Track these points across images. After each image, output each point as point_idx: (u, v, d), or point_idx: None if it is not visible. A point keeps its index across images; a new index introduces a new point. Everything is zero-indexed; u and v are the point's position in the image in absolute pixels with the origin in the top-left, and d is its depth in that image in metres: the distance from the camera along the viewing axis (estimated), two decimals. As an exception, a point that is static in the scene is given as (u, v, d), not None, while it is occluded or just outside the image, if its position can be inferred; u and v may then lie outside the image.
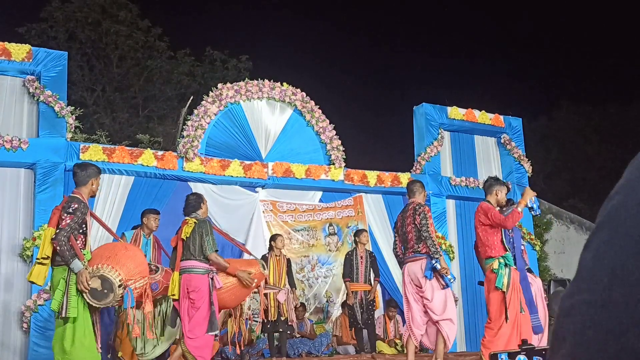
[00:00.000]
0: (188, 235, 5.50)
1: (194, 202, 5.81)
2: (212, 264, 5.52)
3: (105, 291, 4.49)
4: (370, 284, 8.05)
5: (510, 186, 6.30)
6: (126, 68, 17.47)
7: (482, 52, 27.73)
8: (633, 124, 22.20)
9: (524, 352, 2.12)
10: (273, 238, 7.72)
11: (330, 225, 9.10)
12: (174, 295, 5.47)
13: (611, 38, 26.37)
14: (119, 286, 4.51)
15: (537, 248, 10.23)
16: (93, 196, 5.20)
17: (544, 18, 28.93)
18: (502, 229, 5.75)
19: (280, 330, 7.41)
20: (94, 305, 4.53)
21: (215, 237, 5.70)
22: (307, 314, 8.74)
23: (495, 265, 5.66)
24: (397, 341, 8.51)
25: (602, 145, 22.28)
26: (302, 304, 8.60)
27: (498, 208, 5.92)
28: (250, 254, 6.42)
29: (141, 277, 4.87)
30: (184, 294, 5.46)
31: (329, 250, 9.10)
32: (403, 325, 8.87)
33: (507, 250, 5.76)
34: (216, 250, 5.52)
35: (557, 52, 26.70)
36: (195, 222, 5.54)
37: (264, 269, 5.97)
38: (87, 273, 4.48)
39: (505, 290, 5.58)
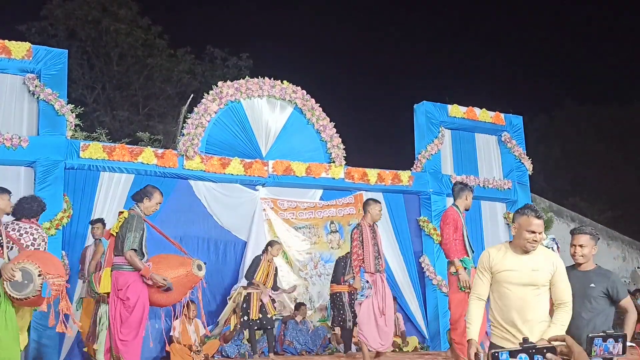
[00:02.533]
0: (117, 231, 5.27)
1: (140, 193, 5.46)
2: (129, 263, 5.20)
3: (26, 282, 4.55)
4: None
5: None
6: (126, 66, 17.44)
7: (483, 49, 27.70)
8: (634, 122, 22.16)
9: (525, 351, 2.10)
10: (270, 244, 7.73)
11: (332, 223, 9.09)
12: (106, 292, 5.31)
13: (614, 36, 26.33)
14: (39, 275, 4.55)
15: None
16: (8, 214, 5.24)
17: (544, 16, 28.90)
18: (465, 231, 6.16)
19: (268, 327, 7.48)
20: (14, 296, 4.55)
21: (153, 234, 5.50)
22: (310, 312, 8.73)
23: (454, 268, 6.08)
24: (397, 339, 8.49)
25: (603, 143, 22.24)
26: (303, 304, 8.59)
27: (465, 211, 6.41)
28: (186, 252, 6.06)
29: (59, 276, 4.85)
30: (113, 292, 5.22)
31: (331, 247, 9.09)
32: (404, 324, 8.88)
33: (467, 254, 6.11)
34: (134, 249, 5.16)
35: (558, 50, 26.66)
36: (125, 218, 5.28)
37: (200, 269, 5.59)
38: (12, 265, 4.58)
39: (467, 291, 5.81)
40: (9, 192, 5.26)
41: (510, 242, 3.66)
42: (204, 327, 7.26)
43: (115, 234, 5.32)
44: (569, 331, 3.38)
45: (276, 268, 7.88)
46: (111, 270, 5.30)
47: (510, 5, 28.87)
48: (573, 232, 4.30)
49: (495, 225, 10.06)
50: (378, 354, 6.51)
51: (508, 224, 9.97)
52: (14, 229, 5.22)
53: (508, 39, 27.61)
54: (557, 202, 14.52)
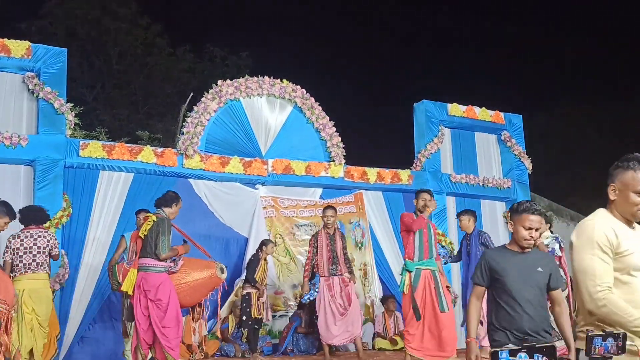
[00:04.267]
0: (146, 233, 5.51)
1: (168, 198, 5.78)
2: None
3: None
4: None
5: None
6: (126, 65, 17.43)
7: (482, 48, 27.70)
8: (634, 121, 22.16)
9: (525, 350, 2.11)
10: (265, 243, 7.73)
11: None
12: (127, 291, 5.52)
13: (613, 34, 26.32)
14: None
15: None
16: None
17: (542, 14, 28.87)
18: (415, 235, 6.44)
19: (256, 327, 7.52)
20: None
21: (176, 237, 5.75)
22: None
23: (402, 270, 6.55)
24: (397, 338, 8.50)
25: (603, 142, 22.23)
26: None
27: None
28: (210, 256, 6.44)
29: (4, 302, 4.99)
30: (140, 292, 5.47)
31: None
32: (402, 322, 8.89)
33: (413, 257, 6.42)
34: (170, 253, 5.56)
35: (558, 49, 26.65)
36: (154, 221, 5.52)
37: (222, 272, 6.04)
38: None
39: (406, 292, 6.33)
40: (11, 216, 5.79)
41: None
42: (206, 328, 7.31)
43: (143, 237, 5.53)
44: (516, 326, 3.21)
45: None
46: (138, 271, 5.52)
47: (508, 3, 28.88)
48: (521, 211, 3.45)
49: (494, 224, 10.06)
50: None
51: (507, 223, 9.98)
52: (26, 236, 6.02)
53: (507, 38, 27.60)
54: (557, 201, 14.52)
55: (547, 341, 3.22)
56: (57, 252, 6.27)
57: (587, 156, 22.12)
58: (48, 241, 6.15)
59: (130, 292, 5.55)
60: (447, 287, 6.67)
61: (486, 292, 3.50)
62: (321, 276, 7.22)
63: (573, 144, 22.62)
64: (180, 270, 5.77)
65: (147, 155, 7.93)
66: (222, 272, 6.11)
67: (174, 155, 8.11)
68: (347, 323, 7.13)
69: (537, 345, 2.08)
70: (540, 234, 7.61)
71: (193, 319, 7.43)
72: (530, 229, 3.42)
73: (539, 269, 3.40)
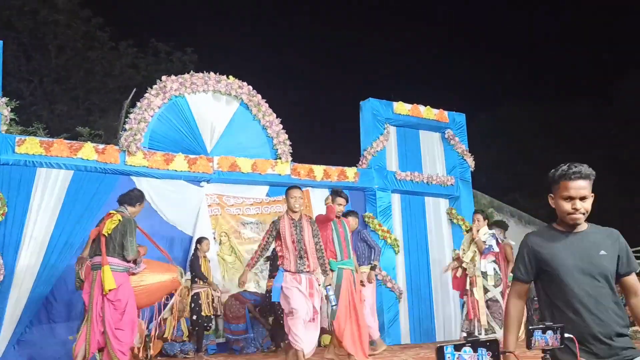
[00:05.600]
0: (110, 232, 5.41)
1: (133, 196, 5.73)
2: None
3: None
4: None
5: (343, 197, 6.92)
6: (65, 59, 16.89)
7: (428, 48, 28.17)
8: (573, 120, 22.99)
9: (470, 344, 2.13)
10: (199, 240, 7.70)
11: (279, 218, 9.01)
12: (110, 290, 5.36)
13: (553, 36, 27.23)
14: None
15: (480, 241, 10.45)
16: None
17: (486, 15, 29.57)
18: (334, 234, 6.48)
19: (206, 325, 7.52)
20: None
21: (139, 239, 5.70)
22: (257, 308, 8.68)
23: None
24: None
25: (543, 141, 22.99)
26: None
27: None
28: (171, 259, 6.39)
29: None
30: (99, 292, 5.36)
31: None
32: None
33: (335, 256, 6.44)
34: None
35: (500, 49, 27.39)
36: (119, 220, 5.43)
37: (182, 276, 6.01)
38: None
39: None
40: None
41: None
42: (146, 328, 7.16)
43: (107, 235, 5.41)
44: (580, 332, 2.56)
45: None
46: (98, 270, 5.39)
47: (452, 5, 29.48)
48: (557, 178, 2.69)
49: (438, 220, 10.23)
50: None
51: (451, 220, 10.18)
52: None
53: (451, 38, 28.17)
54: (498, 197, 14.88)
55: (625, 346, 2.57)
56: None
57: (527, 155, 22.83)
58: None
59: (107, 290, 5.37)
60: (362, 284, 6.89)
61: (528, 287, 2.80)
62: (286, 271, 5.88)
63: (513, 143, 23.29)
64: (140, 272, 5.66)
65: (88, 152, 7.70)
66: (182, 276, 6.08)
67: (116, 152, 7.90)
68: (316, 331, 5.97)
69: (480, 340, 2.11)
70: (478, 230, 7.82)
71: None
72: (572, 199, 2.62)
73: (602, 251, 2.62)
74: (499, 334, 7.16)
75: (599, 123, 22.47)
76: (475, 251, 7.48)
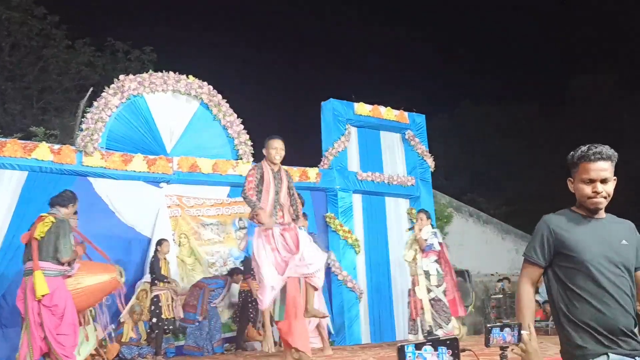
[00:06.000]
0: (43, 235, 5.26)
1: (65, 197, 5.59)
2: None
3: None
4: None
5: None
6: (19, 57, 16.44)
7: (389, 48, 28.43)
8: (528, 121, 23.50)
9: (430, 343, 2.16)
10: (159, 242, 7.60)
11: (240, 219, 8.98)
12: (43, 295, 5.19)
13: (508, 39, 27.81)
14: None
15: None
16: None
17: (444, 18, 30.02)
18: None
19: (166, 328, 7.44)
20: None
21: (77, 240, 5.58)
22: (220, 309, 8.61)
23: None
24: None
25: (500, 142, 23.43)
26: None
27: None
28: (109, 259, 6.22)
29: None
30: (33, 298, 5.20)
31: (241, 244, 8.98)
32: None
33: None
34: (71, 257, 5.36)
35: (456, 50, 27.84)
36: (52, 222, 5.29)
37: (121, 276, 5.89)
38: None
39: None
40: None
41: None
42: (103, 330, 7.02)
43: (40, 239, 5.23)
44: (605, 324, 2.39)
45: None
46: (26, 276, 5.24)
47: (411, 7, 29.82)
48: (577, 160, 2.50)
49: (399, 220, 10.32)
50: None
51: (412, 220, 10.28)
52: None
53: (411, 39, 28.49)
54: (457, 197, 15.13)
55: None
56: None
57: (484, 155, 23.23)
58: None
59: (39, 296, 5.20)
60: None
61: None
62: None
63: (471, 144, 23.67)
64: (77, 274, 5.50)
65: (43, 152, 7.51)
66: (121, 275, 5.93)
67: (72, 152, 7.73)
68: (297, 263, 5.54)
69: (440, 338, 2.13)
70: (420, 229, 7.87)
71: (80, 323, 7.14)
72: (592, 181, 2.46)
73: (624, 241, 2.48)
74: (445, 330, 7.25)
75: (550, 123, 23.07)
76: (417, 249, 7.50)
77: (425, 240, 7.46)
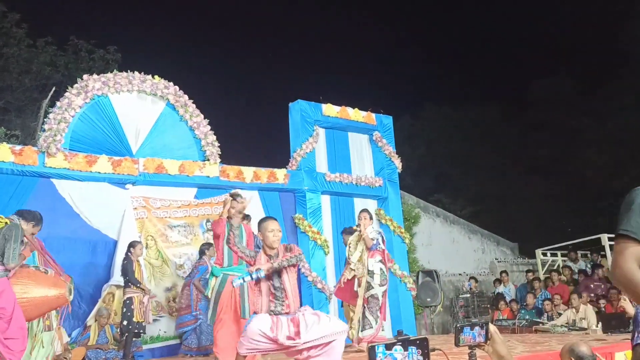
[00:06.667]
0: None
1: (33, 215, 5.56)
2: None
3: None
4: None
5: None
6: (-22, 55, 16.00)
7: (355, 50, 28.58)
8: (490, 123, 23.87)
9: (400, 343, 2.17)
10: (132, 244, 7.45)
11: (208, 221, 8.89)
12: None
13: (470, 42, 28.18)
14: None
15: (407, 241, 10.68)
16: None
17: (410, 20, 30.30)
18: (224, 242, 6.19)
19: (136, 332, 7.30)
20: None
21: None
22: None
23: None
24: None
25: (463, 143, 23.75)
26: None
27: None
28: (62, 274, 6.00)
29: None
30: None
31: (208, 246, 8.87)
32: None
33: (221, 262, 6.31)
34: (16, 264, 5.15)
35: (421, 53, 28.11)
36: (6, 223, 5.11)
37: (70, 293, 5.66)
38: None
39: (210, 297, 6.25)
40: None
41: None
42: (68, 335, 6.88)
43: None
44: None
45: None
46: None
47: (379, 8, 30.01)
48: None
49: (367, 221, 10.35)
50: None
51: (380, 220, 10.34)
52: None
53: (378, 39, 28.69)
54: (423, 198, 15.25)
55: None
56: None
57: (449, 156, 23.53)
58: None
59: None
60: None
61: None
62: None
63: (436, 145, 23.94)
64: (23, 283, 5.27)
65: (3, 153, 7.33)
66: (70, 292, 5.70)
67: (34, 153, 7.56)
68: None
69: (410, 338, 2.14)
70: (365, 227, 7.82)
71: (49, 326, 6.99)
72: None
73: None
74: (374, 328, 7.17)
75: (512, 125, 23.49)
76: (363, 250, 7.45)
77: (372, 239, 7.41)
